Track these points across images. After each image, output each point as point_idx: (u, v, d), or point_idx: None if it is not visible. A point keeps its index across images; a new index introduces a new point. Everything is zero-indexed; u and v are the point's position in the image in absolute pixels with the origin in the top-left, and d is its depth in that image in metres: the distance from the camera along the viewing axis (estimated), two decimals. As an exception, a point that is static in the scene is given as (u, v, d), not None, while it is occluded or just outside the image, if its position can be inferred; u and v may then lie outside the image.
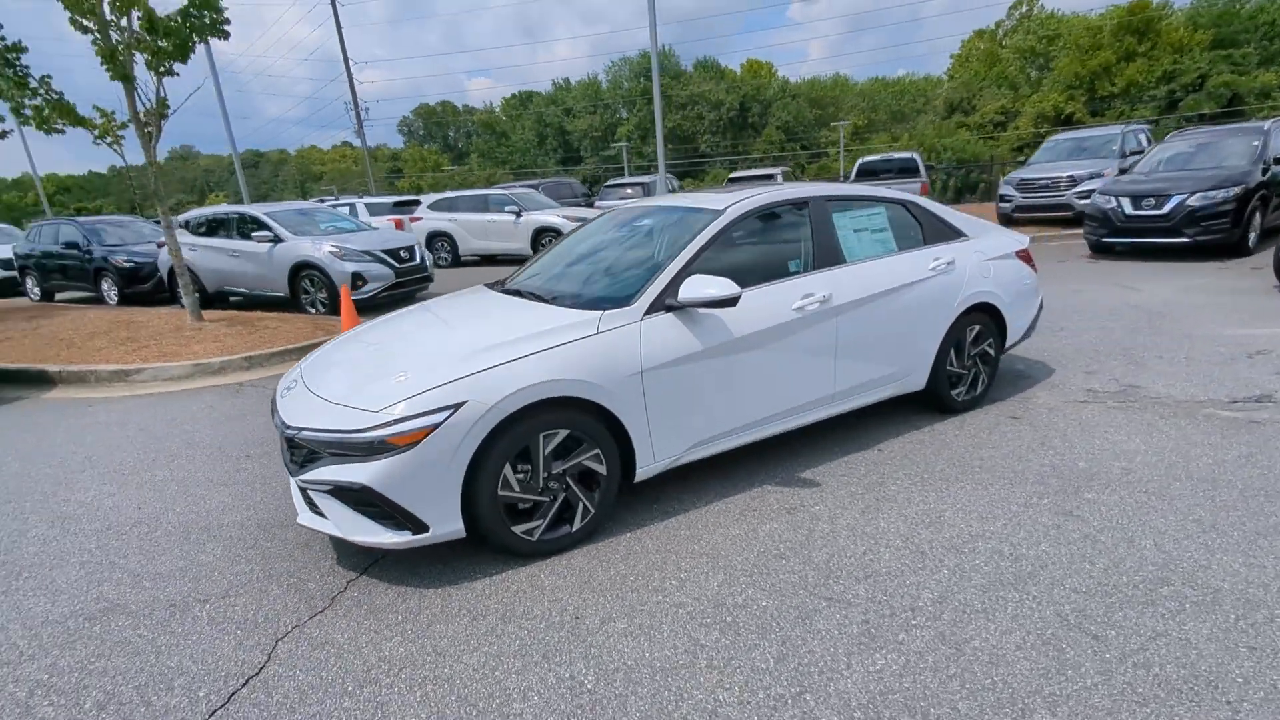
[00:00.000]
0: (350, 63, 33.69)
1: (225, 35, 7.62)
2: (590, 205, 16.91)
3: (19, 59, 7.69)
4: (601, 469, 2.88)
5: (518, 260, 14.26)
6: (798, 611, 2.37)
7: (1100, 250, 9.69)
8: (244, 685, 2.16)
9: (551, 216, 14.00)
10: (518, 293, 3.52)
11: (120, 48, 7.04)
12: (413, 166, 74.99)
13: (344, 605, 2.57)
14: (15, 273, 13.73)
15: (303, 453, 2.70)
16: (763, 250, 3.55)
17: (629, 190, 16.77)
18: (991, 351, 4.23)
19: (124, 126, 7.47)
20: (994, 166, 18.86)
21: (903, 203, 4.01)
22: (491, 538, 2.71)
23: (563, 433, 2.74)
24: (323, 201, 18.11)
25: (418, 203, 16.15)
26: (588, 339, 2.81)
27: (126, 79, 7.11)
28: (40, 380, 6.59)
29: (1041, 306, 4.62)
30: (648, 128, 55.88)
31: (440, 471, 2.50)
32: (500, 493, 2.64)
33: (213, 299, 10.75)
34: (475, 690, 2.08)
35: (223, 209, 10.90)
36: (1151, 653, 2.07)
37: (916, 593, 2.44)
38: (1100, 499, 3.02)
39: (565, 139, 60.83)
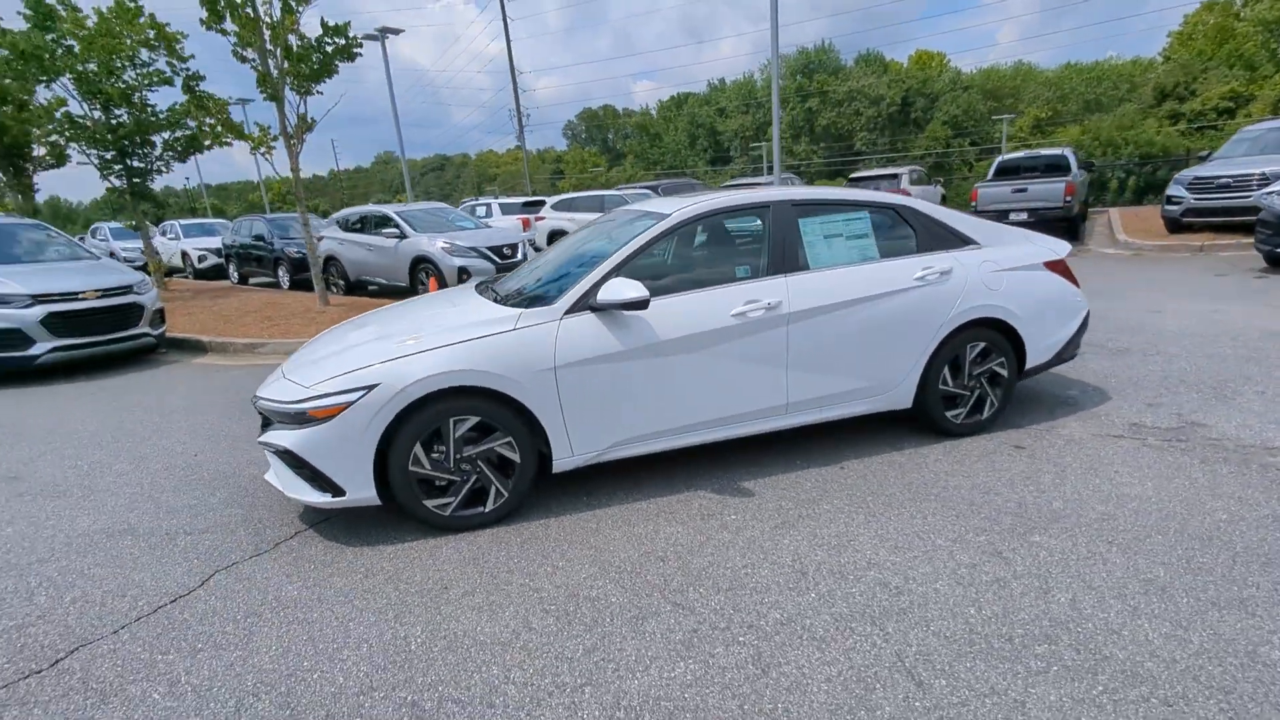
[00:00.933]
0: (516, 73, 36.58)
1: (354, 58, 8.74)
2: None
3: (198, 85, 9.41)
4: (515, 457, 3.07)
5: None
6: (638, 612, 2.41)
7: (1277, 263, 8.06)
8: (171, 603, 2.64)
9: (660, 217, 14.25)
10: (484, 290, 3.80)
11: (275, 73, 8.36)
12: (573, 168, 79.21)
13: (281, 551, 3.00)
14: (223, 260, 16.63)
15: (263, 417, 3.18)
16: (712, 255, 3.53)
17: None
18: (1004, 372, 3.82)
19: (275, 139, 8.85)
20: (1189, 161, 16.09)
21: (894, 207, 3.75)
22: (406, 509, 3.01)
23: (473, 419, 2.97)
24: (465, 202, 19.76)
25: (543, 203, 17.17)
26: (502, 334, 3.01)
27: (277, 99, 8.42)
28: (197, 348, 8.04)
29: (1085, 325, 4.06)
30: (800, 126, 54.40)
31: (353, 444, 2.84)
32: (411, 468, 2.93)
33: (354, 287, 12.33)
34: (324, 634, 2.38)
35: (365, 208, 12.43)
36: (970, 709, 1.87)
37: (766, 611, 2.37)
38: (1046, 543, 2.68)
39: (716, 139, 60.92)
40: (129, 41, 10.85)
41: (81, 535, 3.27)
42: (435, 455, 2.97)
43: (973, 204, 12.55)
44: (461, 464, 3.01)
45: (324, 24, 8.12)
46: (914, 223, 3.74)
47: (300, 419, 2.87)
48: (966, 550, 2.67)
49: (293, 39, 8.31)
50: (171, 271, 18.64)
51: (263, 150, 8.76)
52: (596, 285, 3.11)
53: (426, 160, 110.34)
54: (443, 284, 10.14)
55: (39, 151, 13.11)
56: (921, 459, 3.57)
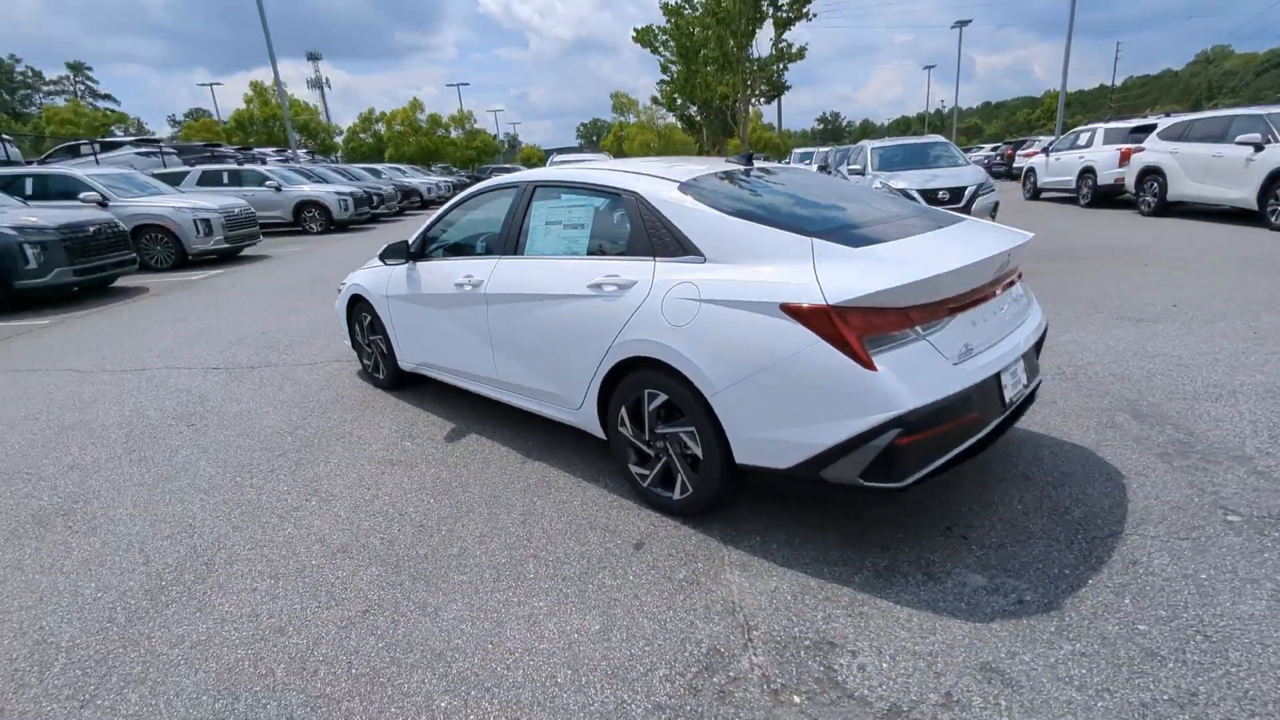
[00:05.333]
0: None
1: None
2: None
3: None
4: (385, 350, 4.58)
5: (1241, 214, 9.77)
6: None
7: None
8: (205, 371, 5.55)
9: (1305, 153, 8.62)
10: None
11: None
12: None
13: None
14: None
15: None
16: (479, 228, 3.73)
17: None
18: (696, 450, 2.59)
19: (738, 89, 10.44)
20: None
21: (621, 195, 2.88)
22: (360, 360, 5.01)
23: (369, 317, 4.63)
24: (1071, 132, 15.69)
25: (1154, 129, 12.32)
26: (380, 268, 4.43)
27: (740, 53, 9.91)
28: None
29: (876, 436, 2.11)
30: None
31: (341, 314, 4.99)
32: (357, 339, 4.89)
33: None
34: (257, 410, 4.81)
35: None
36: None
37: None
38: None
39: None
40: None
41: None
42: (364, 334, 4.81)
43: None
44: (368, 344, 4.76)
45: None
46: (634, 217, 2.83)
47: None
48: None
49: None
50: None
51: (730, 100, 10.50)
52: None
53: (1271, 53, 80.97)
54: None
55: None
56: (566, 495, 3.08)
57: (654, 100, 18.21)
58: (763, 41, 11.26)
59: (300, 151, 27.20)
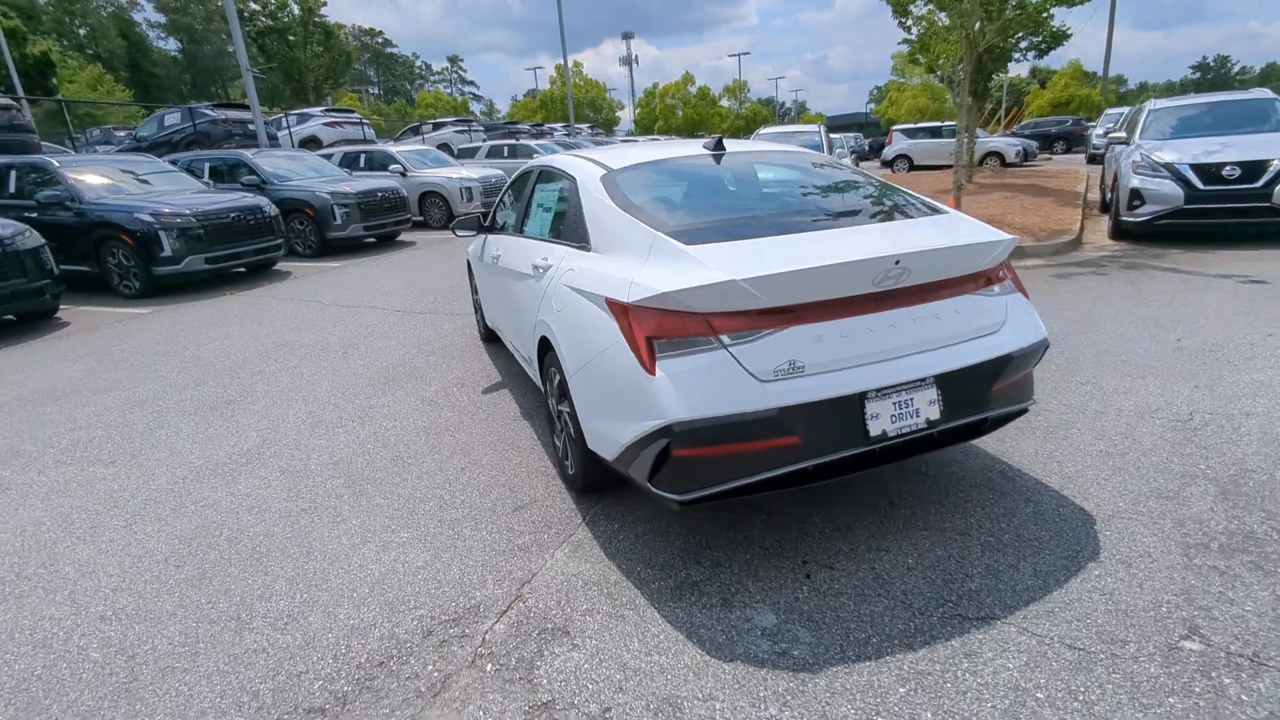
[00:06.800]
0: None
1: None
2: None
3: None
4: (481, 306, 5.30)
5: None
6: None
7: None
8: (388, 312, 6.63)
9: None
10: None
11: None
12: None
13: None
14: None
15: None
16: (514, 207, 4.07)
17: None
18: (572, 430, 2.71)
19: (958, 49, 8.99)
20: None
21: (570, 184, 2.99)
22: (481, 316, 5.83)
23: (473, 279, 5.39)
24: None
25: None
26: (475, 237, 5.12)
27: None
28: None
29: (654, 441, 2.05)
30: None
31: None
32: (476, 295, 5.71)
33: None
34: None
35: None
36: None
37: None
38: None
39: None
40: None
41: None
42: (474, 293, 5.59)
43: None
44: (476, 301, 5.52)
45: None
46: (570, 204, 2.95)
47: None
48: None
49: None
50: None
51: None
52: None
53: None
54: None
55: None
56: (516, 454, 3.40)
57: (910, 61, 16.12)
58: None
59: (583, 126, 30.35)
